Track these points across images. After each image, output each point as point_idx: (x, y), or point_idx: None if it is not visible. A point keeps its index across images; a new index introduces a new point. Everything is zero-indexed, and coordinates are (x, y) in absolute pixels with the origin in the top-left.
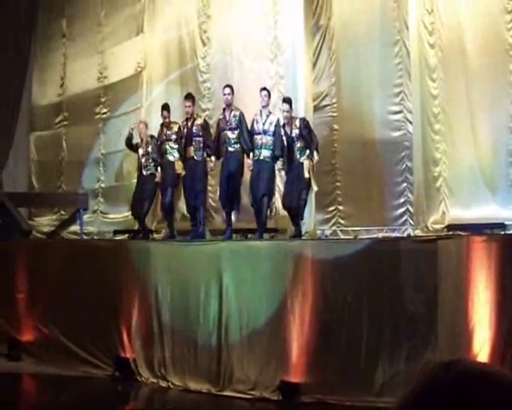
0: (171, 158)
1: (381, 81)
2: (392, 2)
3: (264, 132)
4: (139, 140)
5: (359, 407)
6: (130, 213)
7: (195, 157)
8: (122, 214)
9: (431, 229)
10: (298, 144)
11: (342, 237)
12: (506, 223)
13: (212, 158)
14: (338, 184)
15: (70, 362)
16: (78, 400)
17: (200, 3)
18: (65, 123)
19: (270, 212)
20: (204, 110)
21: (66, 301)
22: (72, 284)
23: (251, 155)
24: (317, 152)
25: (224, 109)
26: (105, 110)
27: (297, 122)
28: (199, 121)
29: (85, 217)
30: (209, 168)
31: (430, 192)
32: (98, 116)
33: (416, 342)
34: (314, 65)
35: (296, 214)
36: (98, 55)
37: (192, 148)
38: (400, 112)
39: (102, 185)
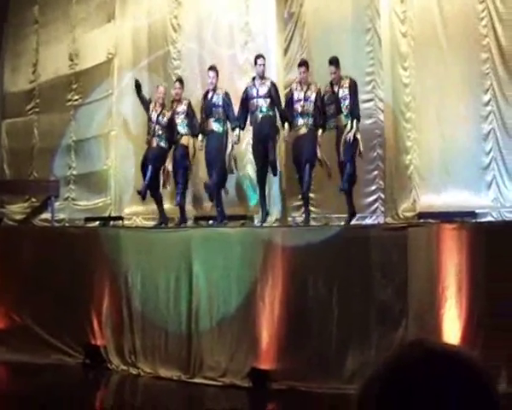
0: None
1: (352, 69)
2: None
3: (306, 100)
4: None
5: (329, 394)
6: (103, 199)
7: (215, 129)
8: (93, 201)
9: (402, 217)
10: (346, 103)
11: (313, 224)
12: (477, 211)
13: (236, 131)
14: None
15: (41, 350)
16: (49, 388)
17: None
18: (36, 110)
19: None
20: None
21: (37, 289)
22: (44, 272)
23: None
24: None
25: (254, 79)
26: (76, 97)
27: (346, 82)
28: (220, 92)
29: (56, 204)
30: (232, 142)
31: (401, 180)
32: (70, 103)
33: (386, 330)
34: (285, 52)
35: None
36: (70, 42)
37: (212, 119)
38: (371, 100)
39: (74, 172)
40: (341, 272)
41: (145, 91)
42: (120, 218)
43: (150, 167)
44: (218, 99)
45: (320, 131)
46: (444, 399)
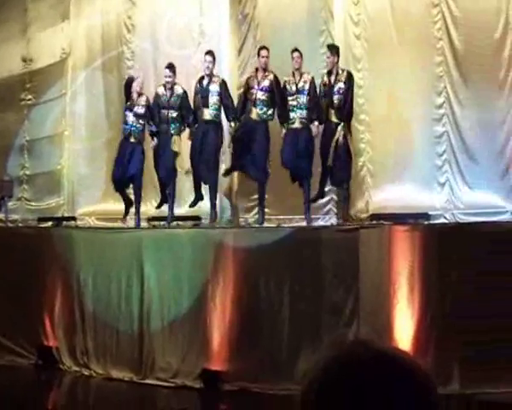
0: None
1: (305, 71)
2: None
3: (299, 92)
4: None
5: (281, 395)
6: (56, 199)
7: (214, 119)
8: (46, 202)
9: (354, 218)
10: (339, 99)
11: (265, 225)
12: (430, 213)
13: (232, 124)
14: None
15: None
16: (1, 389)
17: None
18: None
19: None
20: None
21: None
22: None
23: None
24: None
25: (256, 70)
26: (30, 96)
27: (344, 74)
28: (216, 80)
29: (10, 204)
30: (229, 133)
31: (354, 182)
32: (23, 102)
33: (337, 330)
34: (239, 53)
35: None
36: (24, 41)
37: (208, 109)
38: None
39: (27, 172)
40: (293, 273)
41: (99, 91)
42: (73, 218)
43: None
44: (214, 87)
45: (316, 123)
46: (384, 400)
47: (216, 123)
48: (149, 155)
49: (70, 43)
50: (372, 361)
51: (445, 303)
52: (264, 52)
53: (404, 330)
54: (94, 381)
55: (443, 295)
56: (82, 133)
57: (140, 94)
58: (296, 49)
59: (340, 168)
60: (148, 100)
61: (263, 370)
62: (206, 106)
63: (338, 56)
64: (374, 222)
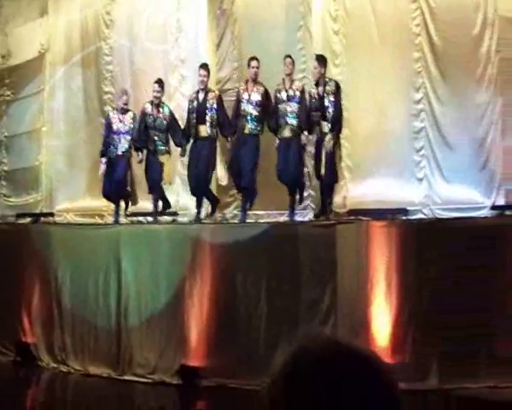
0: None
1: (283, 66)
2: None
3: (289, 100)
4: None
5: (258, 391)
6: (34, 196)
7: (211, 135)
8: (24, 198)
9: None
10: (329, 110)
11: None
12: (408, 208)
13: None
14: None
15: None
16: None
17: None
18: None
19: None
20: (106, 92)
21: None
22: None
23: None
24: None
25: (246, 82)
26: (8, 92)
27: (332, 85)
28: (213, 95)
29: None
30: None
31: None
32: (2, 98)
33: (315, 326)
34: (217, 49)
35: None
36: (2, 37)
37: (205, 126)
38: None
39: (5, 168)
40: (270, 269)
41: (77, 87)
42: (51, 214)
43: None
44: (211, 102)
45: (306, 133)
46: (353, 397)
47: (212, 139)
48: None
49: (48, 39)
50: (340, 357)
51: (423, 299)
52: (254, 63)
53: (381, 326)
54: (72, 377)
55: (420, 291)
56: (60, 129)
57: (126, 110)
58: (288, 56)
59: (329, 173)
60: (134, 117)
61: (240, 366)
62: (203, 123)
63: (325, 67)
64: (351, 217)
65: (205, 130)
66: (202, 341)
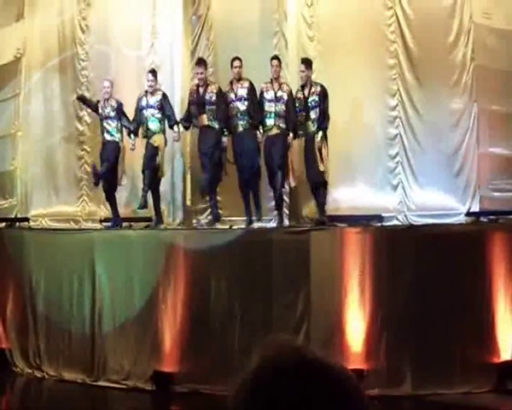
0: (152, 127)
1: (259, 72)
2: None
3: (277, 100)
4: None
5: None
6: (9, 200)
7: (211, 125)
8: None
9: (307, 220)
10: (315, 112)
11: (217, 226)
12: (383, 214)
13: (224, 139)
14: None
15: None
16: None
17: None
18: None
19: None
20: None
21: None
22: None
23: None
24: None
25: (231, 82)
26: None
27: (318, 88)
28: (212, 88)
29: None
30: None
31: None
32: None
33: (288, 333)
34: (192, 54)
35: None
36: None
37: (205, 116)
38: None
39: None
40: (244, 275)
41: (53, 92)
42: (26, 219)
43: (105, 164)
44: (211, 96)
45: (291, 135)
46: (311, 407)
47: (213, 128)
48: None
49: (24, 44)
50: (305, 368)
51: (397, 305)
52: (236, 62)
53: (355, 332)
54: (46, 383)
55: (394, 297)
56: (36, 134)
57: (107, 99)
58: (276, 57)
59: (316, 174)
60: (117, 102)
61: (214, 371)
62: (204, 113)
63: (311, 70)
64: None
65: (206, 120)
66: (176, 347)
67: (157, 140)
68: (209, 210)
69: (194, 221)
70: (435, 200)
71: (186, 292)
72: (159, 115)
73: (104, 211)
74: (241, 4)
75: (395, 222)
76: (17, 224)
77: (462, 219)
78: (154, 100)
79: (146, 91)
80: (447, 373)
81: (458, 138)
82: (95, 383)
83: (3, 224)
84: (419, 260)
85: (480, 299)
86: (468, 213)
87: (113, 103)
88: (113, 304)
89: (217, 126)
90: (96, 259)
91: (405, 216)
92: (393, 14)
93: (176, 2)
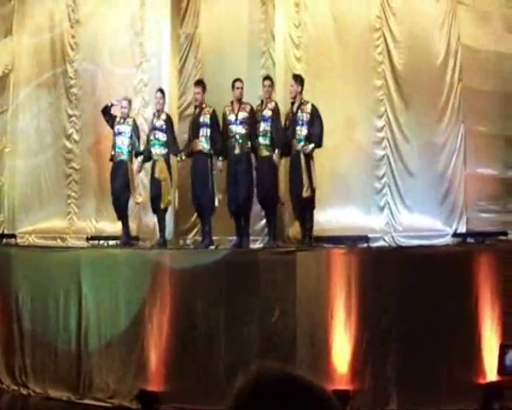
0: (156, 151)
1: (246, 92)
2: (260, 14)
3: (264, 120)
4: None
5: None
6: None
7: (204, 150)
8: None
9: (293, 241)
10: (305, 129)
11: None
12: (369, 235)
13: (219, 163)
14: None
15: None
16: None
17: (70, 8)
18: None
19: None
20: (71, 116)
21: None
22: None
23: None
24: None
25: (232, 103)
26: None
27: (308, 106)
28: (208, 111)
29: None
30: (218, 169)
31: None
32: None
33: (274, 355)
34: (180, 73)
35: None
36: None
37: (198, 140)
38: None
39: None
40: (230, 295)
41: (42, 108)
42: (13, 236)
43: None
44: (205, 118)
45: (277, 152)
46: None
47: (206, 154)
48: None
49: (13, 60)
50: (277, 387)
51: (382, 326)
52: (238, 84)
53: (341, 353)
54: (32, 400)
55: (380, 318)
56: (24, 150)
57: (125, 118)
58: (268, 78)
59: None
60: (134, 121)
61: (199, 391)
62: (197, 137)
63: (302, 86)
64: (313, 245)
65: (199, 145)
66: (162, 366)
67: (161, 172)
68: (195, 230)
69: (180, 241)
70: (422, 221)
71: (172, 311)
72: (164, 139)
73: (91, 228)
74: (229, 23)
75: (381, 243)
76: (4, 240)
77: (448, 240)
78: (159, 123)
79: (154, 113)
80: (433, 394)
81: (445, 159)
82: (80, 401)
83: None
84: (405, 281)
85: (466, 320)
86: (455, 235)
87: (130, 121)
88: (99, 322)
89: (209, 150)
90: (83, 277)
91: (392, 237)
92: (381, 36)
93: (164, 21)
